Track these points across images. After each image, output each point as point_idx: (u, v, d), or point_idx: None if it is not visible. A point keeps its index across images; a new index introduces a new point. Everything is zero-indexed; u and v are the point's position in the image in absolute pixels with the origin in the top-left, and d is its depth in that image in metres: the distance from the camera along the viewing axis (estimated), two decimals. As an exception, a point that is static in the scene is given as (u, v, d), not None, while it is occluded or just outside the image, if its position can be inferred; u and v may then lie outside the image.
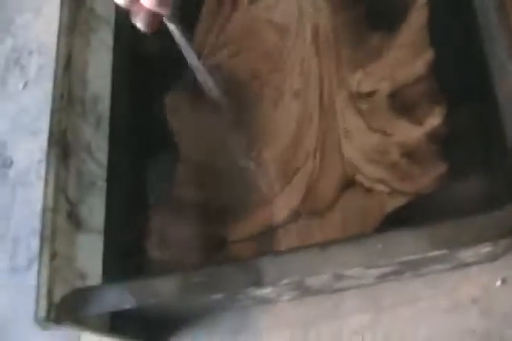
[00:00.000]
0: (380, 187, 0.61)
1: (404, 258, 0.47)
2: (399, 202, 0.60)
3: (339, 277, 0.56)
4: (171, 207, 0.68)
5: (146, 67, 0.76)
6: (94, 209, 0.64)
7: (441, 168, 0.60)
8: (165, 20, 0.55)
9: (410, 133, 0.62)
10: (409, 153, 0.62)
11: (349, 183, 0.63)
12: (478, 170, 0.61)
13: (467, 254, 0.56)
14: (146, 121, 0.73)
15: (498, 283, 0.60)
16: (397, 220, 0.59)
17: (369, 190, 0.62)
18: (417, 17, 0.65)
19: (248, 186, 0.66)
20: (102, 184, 0.66)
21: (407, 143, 0.62)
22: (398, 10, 0.66)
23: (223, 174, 0.68)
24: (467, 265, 0.60)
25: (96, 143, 0.66)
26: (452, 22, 0.65)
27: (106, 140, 0.68)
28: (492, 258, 0.59)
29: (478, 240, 0.47)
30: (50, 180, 0.60)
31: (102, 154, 0.67)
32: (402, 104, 0.63)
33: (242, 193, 0.66)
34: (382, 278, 0.60)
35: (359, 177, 0.63)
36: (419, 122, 0.61)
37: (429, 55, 0.63)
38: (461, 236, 0.47)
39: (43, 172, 0.61)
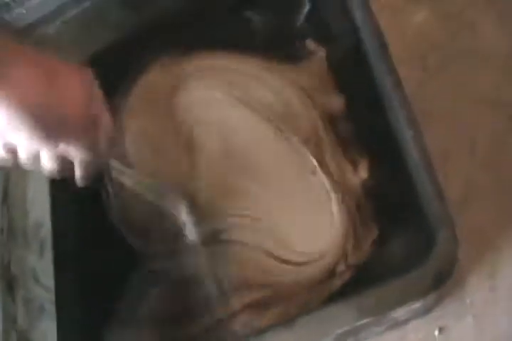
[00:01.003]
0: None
1: (338, 332, 0.51)
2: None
3: None
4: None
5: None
6: (47, 333, 0.70)
7: (374, 232, 0.62)
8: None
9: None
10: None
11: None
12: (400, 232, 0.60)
13: (399, 314, 0.57)
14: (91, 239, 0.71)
15: (436, 332, 0.64)
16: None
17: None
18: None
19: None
20: (51, 307, 0.70)
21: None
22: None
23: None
24: (403, 323, 0.64)
25: (41, 268, 0.70)
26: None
27: (51, 264, 0.70)
28: (425, 311, 0.63)
29: (401, 302, 0.51)
30: (-3, 312, 0.71)
31: (48, 279, 0.70)
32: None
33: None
34: None
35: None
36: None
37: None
38: (384, 301, 0.50)
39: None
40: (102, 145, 0.57)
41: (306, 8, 0.76)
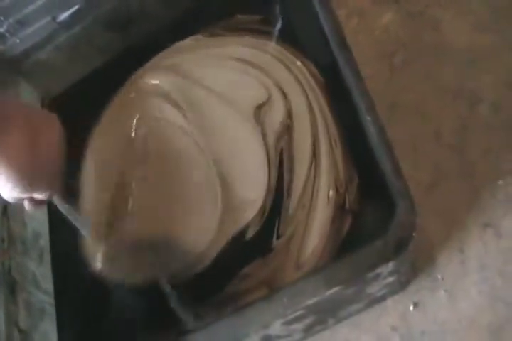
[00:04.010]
0: None
1: (308, 303, 0.53)
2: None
3: (268, 339, 0.61)
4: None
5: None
6: (48, 333, 0.74)
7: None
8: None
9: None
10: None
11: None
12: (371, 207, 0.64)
13: (375, 289, 0.61)
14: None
15: (411, 307, 0.67)
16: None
17: None
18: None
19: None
20: (51, 309, 0.74)
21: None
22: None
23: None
24: (381, 299, 0.67)
25: (40, 273, 0.74)
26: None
27: (50, 269, 0.74)
28: (400, 287, 0.66)
29: (365, 270, 0.53)
30: (0, 315, 0.74)
31: (47, 283, 0.74)
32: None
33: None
34: (310, 330, 0.66)
35: None
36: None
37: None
38: (350, 270, 0.52)
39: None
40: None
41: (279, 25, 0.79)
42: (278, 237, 0.66)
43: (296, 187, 0.67)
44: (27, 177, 0.55)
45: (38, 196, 0.59)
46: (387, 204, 0.54)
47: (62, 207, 0.64)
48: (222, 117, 0.73)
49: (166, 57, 0.81)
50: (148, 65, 0.82)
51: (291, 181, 0.68)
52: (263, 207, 0.67)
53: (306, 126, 0.69)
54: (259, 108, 0.72)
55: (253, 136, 0.70)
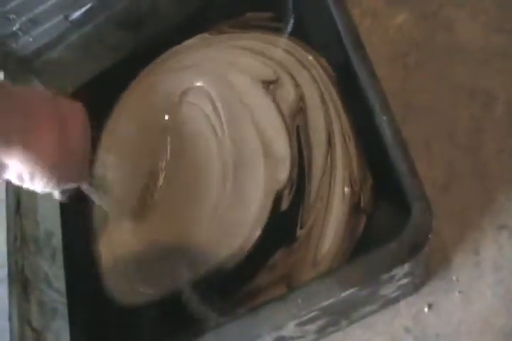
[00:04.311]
0: None
1: (323, 304, 0.53)
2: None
3: (281, 340, 0.61)
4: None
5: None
6: (61, 332, 0.74)
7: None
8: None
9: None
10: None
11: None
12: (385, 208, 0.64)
13: (389, 290, 0.61)
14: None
15: (426, 309, 0.66)
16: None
17: None
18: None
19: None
20: (63, 308, 0.74)
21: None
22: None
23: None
24: (395, 300, 0.66)
25: (53, 273, 0.74)
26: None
27: (62, 269, 0.74)
28: (414, 289, 0.66)
29: (380, 272, 0.52)
30: (13, 314, 0.74)
31: (60, 283, 0.74)
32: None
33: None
34: (323, 331, 0.65)
35: None
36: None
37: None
38: (364, 272, 0.52)
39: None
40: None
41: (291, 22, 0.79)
42: (301, 227, 0.65)
43: (315, 176, 0.67)
44: (59, 172, 0.56)
45: (69, 186, 0.60)
46: (402, 206, 0.54)
47: (89, 191, 0.65)
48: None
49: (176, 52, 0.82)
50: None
51: (310, 166, 0.68)
52: (291, 176, 0.68)
53: (319, 113, 0.70)
54: (267, 84, 0.73)
55: (267, 101, 0.71)
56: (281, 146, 0.69)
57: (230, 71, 0.76)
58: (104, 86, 0.87)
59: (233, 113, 0.73)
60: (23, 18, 0.81)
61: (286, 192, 0.67)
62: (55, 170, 0.55)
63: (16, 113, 0.53)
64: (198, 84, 0.77)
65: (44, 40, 0.86)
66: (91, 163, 0.62)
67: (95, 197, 0.68)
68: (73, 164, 0.58)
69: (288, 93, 0.72)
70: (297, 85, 0.72)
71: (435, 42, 0.78)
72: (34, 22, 0.82)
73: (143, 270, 0.70)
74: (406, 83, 0.77)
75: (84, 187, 0.64)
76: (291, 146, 0.69)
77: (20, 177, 0.55)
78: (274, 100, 0.72)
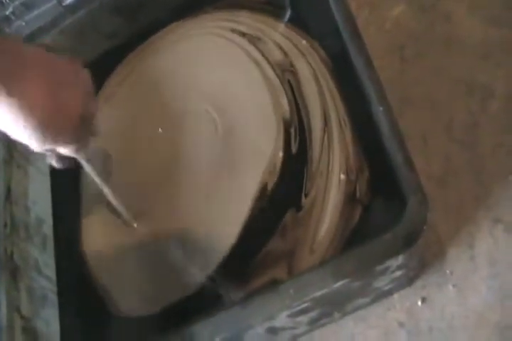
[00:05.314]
0: None
1: (315, 295, 0.53)
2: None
3: (273, 331, 0.61)
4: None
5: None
6: (50, 320, 0.73)
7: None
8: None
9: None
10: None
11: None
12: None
13: (382, 283, 0.61)
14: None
15: (419, 302, 0.66)
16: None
17: None
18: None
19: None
20: (53, 296, 0.73)
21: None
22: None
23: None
24: (388, 293, 0.66)
25: (43, 260, 0.74)
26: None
27: (53, 257, 0.73)
28: (408, 282, 0.66)
29: (374, 263, 0.52)
30: (2, 301, 0.74)
31: (50, 270, 0.73)
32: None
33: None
34: (315, 323, 0.65)
35: None
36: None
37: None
38: (358, 263, 0.52)
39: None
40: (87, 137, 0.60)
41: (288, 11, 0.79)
42: (306, 195, 0.65)
43: (315, 149, 0.67)
44: (51, 128, 0.54)
45: (64, 150, 0.58)
46: (397, 199, 0.53)
47: (88, 167, 0.64)
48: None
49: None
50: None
51: (310, 133, 0.68)
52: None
53: (315, 98, 0.70)
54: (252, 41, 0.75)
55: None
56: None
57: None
58: (98, 72, 0.85)
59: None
60: (16, 2, 0.80)
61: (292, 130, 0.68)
62: (45, 124, 0.53)
63: (3, 55, 0.50)
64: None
65: (37, 25, 0.85)
66: (90, 133, 0.60)
67: (89, 169, 0.65)
68: (68, 123, 0.55)
69: (276, 53, 0.74)
70: (292, 66, 0.73)
71: (433, 35, 0.78)
72: (27, 6, 0.81)
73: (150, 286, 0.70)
74: (403, 76, 0.76)
75: (82, 156, 0.62)
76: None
77: (9, 127, 0.52)
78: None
